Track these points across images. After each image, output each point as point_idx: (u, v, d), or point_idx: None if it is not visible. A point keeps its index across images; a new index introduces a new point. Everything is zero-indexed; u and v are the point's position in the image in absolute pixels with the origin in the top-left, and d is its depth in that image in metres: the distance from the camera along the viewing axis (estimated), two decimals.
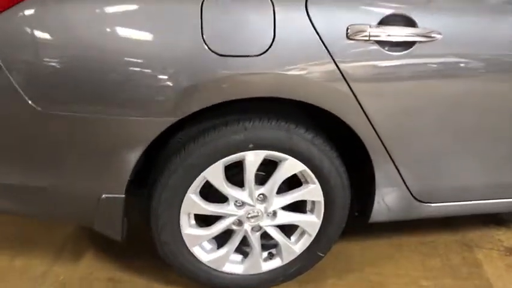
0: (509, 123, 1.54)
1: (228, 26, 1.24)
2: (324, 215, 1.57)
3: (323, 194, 1.53)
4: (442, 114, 1.46)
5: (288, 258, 1.62)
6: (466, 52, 1.40)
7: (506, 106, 1.51)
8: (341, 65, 1.30)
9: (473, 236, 1.97)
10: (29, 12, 1.19)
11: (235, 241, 1.57)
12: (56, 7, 1.19)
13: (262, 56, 1.26)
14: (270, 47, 1.26)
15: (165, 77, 1.25)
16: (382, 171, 1.52)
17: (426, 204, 1.64)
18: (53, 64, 1.22)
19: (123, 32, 1.22)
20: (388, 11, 1.30)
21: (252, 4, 1.25)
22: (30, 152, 1.34)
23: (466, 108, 1.48)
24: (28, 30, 1.19)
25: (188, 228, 1.51)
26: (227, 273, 1.61)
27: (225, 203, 1.51)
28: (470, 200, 1.67)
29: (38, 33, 1.20)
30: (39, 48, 1.21)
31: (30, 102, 1.25)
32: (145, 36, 1.23)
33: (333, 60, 1.30)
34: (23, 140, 1.32)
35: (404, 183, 1.56)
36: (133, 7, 1.22)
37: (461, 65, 1.41)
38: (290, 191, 1.54)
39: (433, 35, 1.33)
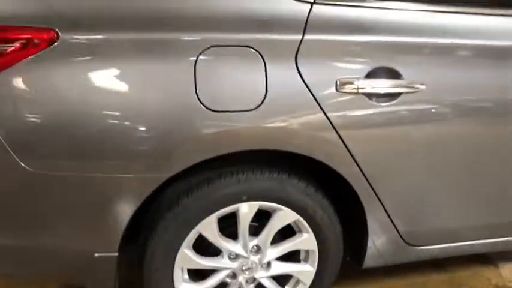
0: (490, 165, 1.60)
1: (222, 82, 1.27)
2: (318, 263, 1.57)
3: (317, 242, 1.53)
4: (429, 159, 1.50)
5: None
6: (448, 100, 1.45)
7: (487, 148, 1.56)
8: (331, 117, 1.34)
9: (462, 275, 1.99)
10: (16, 76, 1.19)
11: None
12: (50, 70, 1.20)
13: (256, 110, 1.28)
14: (262, 101, 1.28)
15: (161, 134, 1.25)
16: (374, 217, 1.53)
17: (417, 247, 1.66)
18: (44, 124, 1.21)
19: (116, 91, 1.23)
20: (375, 65, 1.35)
21: (244, 61, 1.28)
22: (22, 211, 1.31)
23: (450, 152, 1.52)
24: (16, 91, 1.19)
25: (182, 284, 1.49)
26: None
27: (218, 256, 1.50)
28: (460, 241, 1.70)
29: (26, 94, 1.20)
30: (30, 108, 1.20)
31: (20, 161, 1.23)
32: (140, 94, 1.24)
33: (323, 112, 1.33)
34: (12, 199, 1.29)
35: (395, 227, 1.58)
36: (127, 67, 1.23)
37: (444, 111, 1.46)
38: (284, 241, 1.54)
39: (417, 86, 1.38)
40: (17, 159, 1.22)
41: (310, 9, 1.32)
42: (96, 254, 1.36)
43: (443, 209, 1.61)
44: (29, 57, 1.17)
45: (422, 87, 1.39)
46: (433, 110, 1.44)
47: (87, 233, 1.34)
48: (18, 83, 1.19)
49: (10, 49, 1.17)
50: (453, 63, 1.44)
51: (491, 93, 1.50)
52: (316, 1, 1.32)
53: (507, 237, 1.73)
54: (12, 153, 1.22)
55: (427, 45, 1.41)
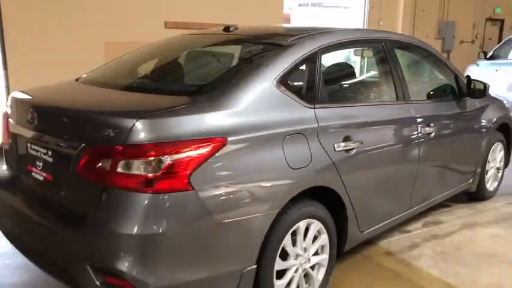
0: (401, 175, 3.16)
1: (295, 153, 2.37)
2: (329, 252, 2.70)
3: (329, 240, 2.68)
4: (371, 177, 2.89)
5: (314, 284, 2.67)
6: (372, 147, 2.87)
7: (395, 168, 3.09)
8: (335, 163, 2.58)
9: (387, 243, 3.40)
10: (205, 168, 2.05)
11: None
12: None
13: (309, 166, 2.42)
14: (311, 160, 2.43)
15: (277, 187, 2.27)
16: (350, 217, 2.79)
17: (363, 232, 2.98)
18: (226, 189, 2.09)
19: (255, 166, 2.20)
20: (344, 135, 2.67)
21: (302, 141, 2.42)
22: (208, 254, 2.08)
23: (379, 172, 2.96)
24: (206, 173, 2.04)
25: (275, 280, 2.41)
26: None
27: (288, 260, 2.47)
28: (385, 221, 3.12)
29: (213, 175, 2.06)
30: (218, 181, 2.07)
31: (213, 215, 2.04)
32: (265, 166, 2.23)
33: (333, 162, 2.56)
34: (203, 245, 2.06)
35: (357, 221, 2.86)
36: (257, 152, 2.22)
37: (371, 152, 2.87)
38: (314, 243, 2.62)
39: (358, 143, 2.75)
40: (214, 209, 2.04)
41: (314, 110, 2.56)
42: (245, 269, 2.20)
43: (379, 205, 3.01)
44: (211, 155, 2.05)
45: (360, 143, 2.76)
46: (367, 152, 2.83)
47: (242, 256, 2.19)
48: (207, 170, 2.04)
49: (199, 153, 2.03)
50: (372, 129, 2.90)
51: (392, 141, 3.04)
52: (316, 106, 2.58)
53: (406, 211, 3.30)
54: (211, 212, 2.03)
55: (360, 123, 2.82)
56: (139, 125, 1.96)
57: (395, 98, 3.23)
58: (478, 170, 4.20)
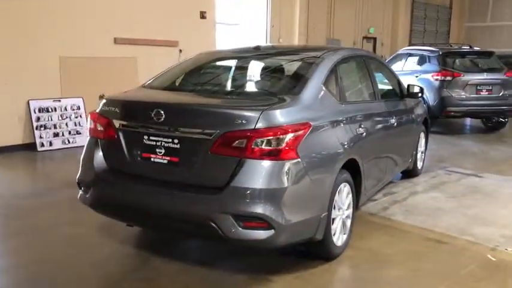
0: (392, 149, 4.38)
1: (341, 134, 3.40)
2: (352, 208, 3.75)
3: (352, 199, 3.73)
4: (374, 152, 4.02)
5: (346, 230, 3.68)
6: (375, 130, 3.98)
7: (389, 144, 4.29)
8: (358, 143, 3.65)
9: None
10: (302, 144, 2.98)
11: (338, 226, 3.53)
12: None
13: (348, 143, 3.47)
14: (348, 140, 3.48)
15: (337, 154, 3.27)
16: (362, 181, 3.86)
17: (365, 194, 4.09)
18: (316, 152, 3.04)
19: (324, 141, 3.18)
20: (360, 122, 3.76)
21: (342, 126, 3.46)
22: (305, 200, 3.00)
23: (380, 148, 4.11)
24: (304, 144, 2.98)
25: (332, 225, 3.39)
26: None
27: (335, 210, 3.46)
28: (373, 188, 4.27)
29: (306, 145, 3.00)
30: (308, 148, 3.00)
31: (307, 172, 2.98)
32: (330, 143, 3.22)
33: (357, 142, 3.63)
34: (304, 195, 2.98)
35: (364, 184, 3.95)
36: (326, 132, 3.20)
37: (375, 134, 3.98)
38: (346, 200, 3.65)
39: (365, 129, 3.86)
40: (308, 171, 2.97)
41: (343, 105, 3.62)
42: (322, 215, 3.15)
43: (372, 176, 4.14)
44: (305, 135, 2.99)
45: (366, 129, 3.87)
46: (368, 135, 3.94)
47: (321, 205, 3.14)
48: (304, 145, 2.98)
49: (300, 133, 2.96)
50: (375, 120, 4.05)
51: (378, 129, 4.18)
52: (342, 102, 3.64)
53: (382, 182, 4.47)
54: (308, 172, 2.96)
55: (364, 115, 3.93)
56: (264, 115, 2.83)
57: (374, 98, 4.42)
58: (414, 152, 5.61)
